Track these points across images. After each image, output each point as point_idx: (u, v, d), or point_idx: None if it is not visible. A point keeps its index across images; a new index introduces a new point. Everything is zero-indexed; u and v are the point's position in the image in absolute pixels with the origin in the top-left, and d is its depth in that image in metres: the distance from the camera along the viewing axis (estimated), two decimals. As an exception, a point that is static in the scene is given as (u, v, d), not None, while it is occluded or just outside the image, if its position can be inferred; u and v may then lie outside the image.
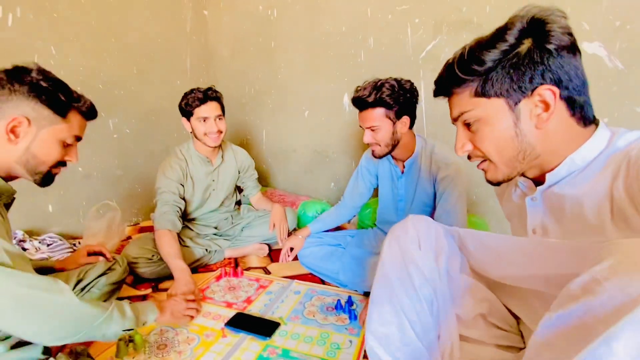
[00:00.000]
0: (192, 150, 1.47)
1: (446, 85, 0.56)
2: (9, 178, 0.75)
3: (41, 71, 0.73)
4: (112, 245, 1.48)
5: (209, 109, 1.35)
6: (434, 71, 1.69)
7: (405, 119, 1.14)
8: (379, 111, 1.11)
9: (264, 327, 0.96)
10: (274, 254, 1.55)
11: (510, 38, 0.47)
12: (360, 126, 1.18)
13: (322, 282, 1.30)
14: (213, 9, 2.35)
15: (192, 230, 1.49)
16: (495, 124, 0.51)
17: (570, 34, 0.48)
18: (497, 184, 0.57)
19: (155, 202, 1.38)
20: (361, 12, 1.83)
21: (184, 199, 1.45)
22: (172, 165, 1.41)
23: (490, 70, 0.49)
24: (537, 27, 0.47)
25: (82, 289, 0.98)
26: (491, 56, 0.48)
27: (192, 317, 1.00)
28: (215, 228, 1.55)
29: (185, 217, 1.53)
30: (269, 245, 1.57)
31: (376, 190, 1.45)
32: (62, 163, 0.80)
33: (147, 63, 2.03)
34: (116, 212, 1.51)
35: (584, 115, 0.50)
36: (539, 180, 0.56)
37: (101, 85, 1.81)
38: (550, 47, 0.46)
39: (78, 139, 0.82)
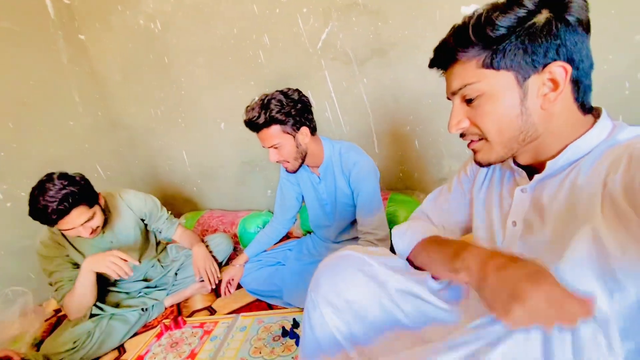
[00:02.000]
0: None
1: (452, 51, 0.49)
2: None
3: None
4: (34, 333, 1.32)
5: (71, 222, 1.06)
6: (335, 60, 1.67)
7: (304, 130, 1.11)
8: (275, 129, 1.07)
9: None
10: (218, 288, 1.49)
11: (529, 4, 0.44)
12: (263, 147, 1.13)
13: (269, 306, 1.28)
14: (88, 31, 2.08)
15: (119, 292, 1.36)
16: (501, 99, 0.47)
17: (587, 10, 0.45)
18: (487, 165, 0.54)
19: (49, 283, 1.21)
20: (248, 10, 1.71)
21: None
22: (47, 245, 1.20)
23: (503, 38, 0.45)
24: None
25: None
26: (506, 22, 0.44)
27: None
28: (145, 280, 1.44)
29: (107, 284, 1.36)
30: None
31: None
32: None
33: (24, 112, 1.76)
34: (26, 295, 1.35)
35: (585, 101, 0.48)
36: (530, 167, 0.54)
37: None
38: (570, 19, 0.44)
39: None
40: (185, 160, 2.18)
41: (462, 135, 0.55)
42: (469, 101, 0.50)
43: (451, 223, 0.74)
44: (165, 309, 1.41)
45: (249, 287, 1.35)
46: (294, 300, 1.22)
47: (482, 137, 0.51)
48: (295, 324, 1.09)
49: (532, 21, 0.44)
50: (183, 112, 2.06)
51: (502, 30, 0.44)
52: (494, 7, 0.45)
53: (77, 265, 1.25)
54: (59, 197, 1.01)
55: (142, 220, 1.41)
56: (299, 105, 1.07)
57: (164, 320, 1.28)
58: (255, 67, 1.80)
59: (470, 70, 0.48)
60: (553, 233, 0.49)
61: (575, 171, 0.47)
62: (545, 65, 0.45)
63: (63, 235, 1.22)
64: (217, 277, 1.41)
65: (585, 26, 0.46)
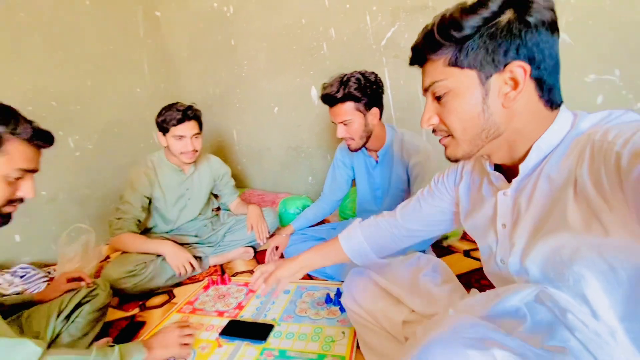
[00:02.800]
0: (163, 160, 1.45)
1: (422, 50, 0.53)
2: None
3: None
4: (90, 269, 1.43)
5: (186, 129, 1.34)
6: (397, 58, 1.74)
7: (375, 110, 1.17)
8: (349, 105, 1.13)
9: (258, 332, 0.98)
10: (259, 256, 1.56)
11: (493, 6, 0.45)
12: (333, 122, 1.20)
13: (310, 277, 1.33)
14: (165, 9, 2.24)
15: (169, 240, 1.47)
16: (465, 97, 0.49)
17: (552, 10, 0.46)
18: (456, 160, 0.56)
19: (115, 208, 1.37)
20: (319, 3, 1.81)
21: (150, 210, 1.45)
22: (139, 174, 1.40)
23: (467, 37, 0.47)
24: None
25: (67, 319, 0.95)
26: (471, 22, 0.46)
27: (187, 344, 0.92)
28: (196, 236, 1.53)
29: (164, 230, 1.51)
30: (253, 247, 1.58)
31: (354, 181, 1.49)
32: (15, 200, 0.73)
33: (101, 74, 1.92)
34: (89, 234, 1.46)
35: (551, 98, 0.49)
36: (508, 169, 0.56)
37: (54, 102, 1.70)
38: (531, 19, 0.45)
39: (32, 172, 0.73)
40: (235, 139, 2.29)
41: (433, 131, 0.57)
42: (438, 98, 0.52)
43: (419, 224, 0.79)
44: (209, 267, 1.49)
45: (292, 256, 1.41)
46: (336, 273, 1.27)
47: (450, 134, 0.54)
48: (339, 294, 1.13)
49: (496, 21, 0.45)
50: (240, 93, 2.18)
51: (467, 31, 0.46)
52: (461, 9, 0.47)
53: (147, 206, 1.42)
54: (186, 106, 1.36)
55: (214, 181, 1.59)
56: (374, 86, 1.14)
57: (212, 276, 1.36)
58: (317, 57, 1.89)
59: (438, 68, 0.50)
60: (534, 229, 0.50)
61: (547, 167, 0.49)
62: (506, 65, 0.46)
63: (155, 172, 1.43)
64: (266, 236, 1.50)
65: (549, 26, 0.46)
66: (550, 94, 0.48)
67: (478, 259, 1.36)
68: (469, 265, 1.33)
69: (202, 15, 2.14)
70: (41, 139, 0.73)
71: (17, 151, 0.69)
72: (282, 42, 1.96)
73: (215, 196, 1.74)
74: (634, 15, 1.29)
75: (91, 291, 1.03)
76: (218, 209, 1.73)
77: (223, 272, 1.44)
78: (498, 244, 0.58)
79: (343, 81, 1.11)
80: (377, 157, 1.29)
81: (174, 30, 2.26)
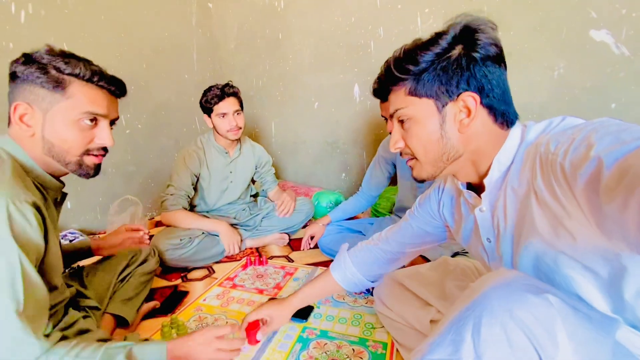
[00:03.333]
0: (211, 141, 1.52)
1: (384, 83, 0.58)
2: (57, 174, 0.72)
3: (47, 50, 0.66)
4: (136, 239, 1.50)
5: (227, 105, 1.40)
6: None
7: None
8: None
9: (299, 311, 1.00)
10: (294, 243, 1.59)
11: (444, 43, 0.50)
12: (383, 116, 1.22)
13: (345, 267, 1.34)
14: (217, 1, 2.34)
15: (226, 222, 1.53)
16: (424, 123, 0.54)
17: (497, 45, 0.51)
18: (422, 181, 0.60)
19: (167, 185, 1.44)
20: (370, 2, 1.84)
21: (195, 188, 1.51)
22: (190, 153, 1.47)
23: (423, 71, 0.51)
24: (468, 35, 0.50)
25: (122, 280, 1.01)
26: (425, 57, 0.51)
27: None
28: (235, 219, 1.58)
29: (204, 210, 1.57)
30: (288, 234, 1.61)
31: (393, 178, 1.49)
32: (98, 149, 0.72)
33: (155, 58, 2.03)
34: (137, 206, 1.53)
35: (505, 120, 0.53)
36: (478, 185, 0.59)
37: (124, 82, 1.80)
38: (477, 55, 0.49)
39: (111, 119, 0.72)
40: (272, 130, 2.34)
41: (401, 154, 0.61)
42: (402, 123, 0.57)
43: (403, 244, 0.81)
44: (246, 248, 1.53)
45: (327, 246, 1.43)
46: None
47: (414, 157, 0.58)
48: (377, 285, 1.14)
49: (447, 55, 0.50)
50: (283, 86, 2.23)
51: (423, 65, 0.51)
52: (415, 45, 0.52)
53: (195, 183, 1.50)
54: (224, 84, 1.43)
55: (256, 168, 1.64)
56: None
57: (250, 257, 1.40)
58: (363, 55, 1.92)
59: (400, 96, 0.55)
60: (514, 240, 0.53)
61: (510, 179, 0.52)
62: (458, 95, 0.51)
63: (203, 151, 1.49)
64: (287, 212, 1.59)
65: (494, 60, 0.50)
66: (502, 118, 0.53)
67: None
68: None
69: (253, 8, 2.21)
70: (106, 80, 0.70)
71: (81, 93, 0.66)
72: (329, 38, 2.00)
73: (253, 182, 1.79)
74: None
75: (145, 257, 1.09)
76: (256, 195, 1.78)
77: (260, 255, 1.47)
78: (489, 257, 0.61)
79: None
80: None
81: (224, 21, 2.35)
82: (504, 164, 0.53)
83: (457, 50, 0.50)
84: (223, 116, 1.40)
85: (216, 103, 1.38)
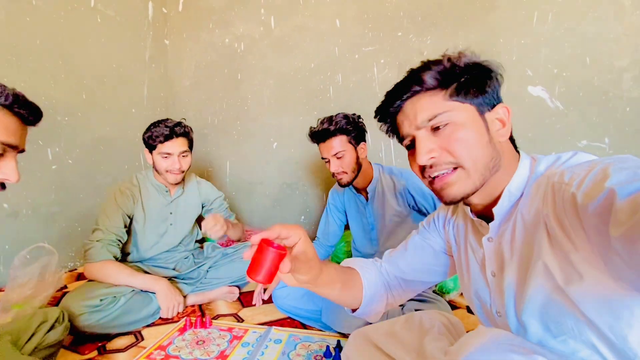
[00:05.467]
0: (149, 178, 1.36)
1: (420, 82, 0.52)
2: None
3: None
4: (45, 298, 1.21)
5: (174, 146, 1.26)
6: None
7: (364, 145, 1.22)
8: (342, 138, 1.17)
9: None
10: (245, 298, 1.40)
11: (482, 59, 0.52)
12: (323, 158, 1.22)
13: (303, 326, 1.19)
14: (175, 38, 2.28)
15: (146, 273, 1.30)
16: (471, 127, 0.51)
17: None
18: (457, 201, 0.53)
19: (93, 230, 1.23)
20: (329, 51, 1.90)
21: (128, 231, 1.30)
22: (122, 190, 1.29)
23: (469, 70, 0.51)
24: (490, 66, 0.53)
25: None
26: (470, 60, 0.52)
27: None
28: (174, 270, 1.37)
29: (137, 259, 1.34)
30: (239, 287, 1.42)
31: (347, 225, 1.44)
32: None
33: (98, 88, 1.86)
34: (52, 256, 1.26)
35: (514, 140, 0.55)
36: (483, 215, 0.56)
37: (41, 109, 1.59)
38: (500, 80, 0.53)
39: (14, 148, 0.61)
40: (227, 170, 2.21)
41: (431, 167, 0.53)
42: (439, 130, 0.51)
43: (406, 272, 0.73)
44: (186, 307, 1.30)
45: (283, 302, 1.26)
46: (333, 323, 1.14)
47: (457, 166, 0.51)
48: (340, 347, 1.00)
49: (485, 65, 0.52)
50: (240, 125, 2.16)
51: (469, 68, 0.51)
52: (459, 53, 0.53)
53: (128, 226, 1.30)
54: (174, 123, 1.27)
55: (202, 207, 1.46)
56: (360, 124, 1.21)
57: (190, 317, 1.18)
58: (322, 99, 1.94)
59: (437, 102, 0.51)
60: (517, 271, 0.51)
61: (520, 210, 0.51)
62: (493, 106, 0.52)
63: (139, 190, 1.31)
64: (218, 228, 1.17)
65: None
66: (512, 137, 0.55)
67: (483, 317, 1.28)
68: (474, 323, 1.24)
69: (212, 48, 2.19)
70: (25, 108, 0.61)
71: None
72: (289, 82, 2.01)
73: (200, 226, 1.60)
74: (618, 91, 1.42)
75: (43, 321, 0.85)
76: (202, 241, 1.59)
77: (203, 314, 1.26)
78: (491, 295, 0.57)
79: (332, 118, 1.18)
80: (367, 194, 1.28)
81: (181, 58, 2.28)
82: (514, 195, 0.52)
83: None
84: (166, 156, 1.25)
85: (161, 142, 1.24)
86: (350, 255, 1.65)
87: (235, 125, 2.17)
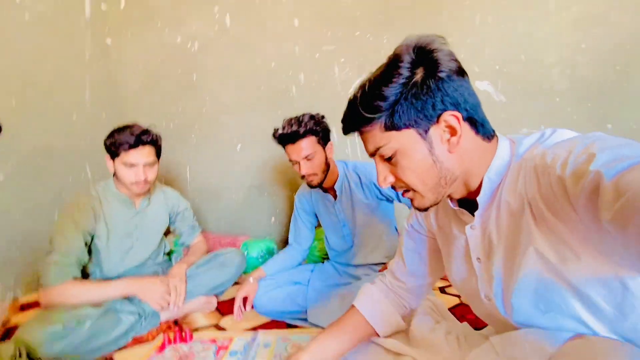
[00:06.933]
0: (110, 189, 1.23)
1: (354, 124, 0.55)
2: None
3: None
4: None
5: (140, 155, 1.15)
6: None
7: (330, 144, 1.24)
8: (311, 139, 1.17)
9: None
10: (223, 307, 1.34)
11: (404, 71, 0.48)
12: (291, 160, 1.20)
13: (288, 325, 1.18)
14: (118, 38, 2.10)
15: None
16: (413, 154, 0.51)
17: (455, 59, 0.50)
18: (425, 210, 0.57)
19: (48, 252, 1.09)
20: (289, 50, 1.90)
21: (90, 251, 1.19)
22: (80, 205, 1.16)
23: (394, 103, 0.49)
24: (424, 56, 0.48)
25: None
26: (392, 90, 0.48)
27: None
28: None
29: (102, 278, 1.22)
30: (216, 295, 1.36)
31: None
32: None
33: (30, 94, 1.64)
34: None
35: (485, 131, 0.53)
36: (468, 201, 0.58)
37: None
38: (442, 74, 0.48)
39: None
40: (188, 177, 2.09)
41: (394, 188, 0.58)
42: (388, 159, 0.54)
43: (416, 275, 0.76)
44: (160, 323, 1.21)
45: (266, 308, 1.23)
46: (320, 320, 1.15)
47: (410, 189, 0.55)
48: (330, 341, 1.01)
49: (413, 81, 0.48)
50: (199, 129, 2.06)
51: (392, 98, 0.49)
52: (376, 80, 0.50)
53: (89, 244, 1.17)
54: (141, 130, 1.17)
55: (170, 218, 1.38)
56: (324, 123, 1.22)
57: (167, 333, 1.10)
58: (285, 99, 1.92)
59: (377, 135, 0.52)
60: (505, 256, 0.53)
61: (502, 194, 0.52)
62: (438, 117, 0.49)
63: (100, 203, 1.19)
64: (177, 304, 1.19)
65: (458, 72, 0.50)
66: (483, 128, 0.52)
67: (455, 295, 1.38)
68: (447, 302, 1.33)
69: (162, 48, 2.05)
70: None
71: None
72: (249, 81, 1.96)
73: (166, 236, 1.50)
74: (548, 84, 1.62)
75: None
76: (170, 253, 1.49)
77: (180, 329, 1.18)
78: (479, 280, 0.59)
79: (299, 120, 1.17)
80: (335, 192, 1.30)
81: (127, 59, 2.11)
82: (494, 181, 0.52)
83: (420, 74, 0.48)
84: (130, 166, 1.15)
85: (125, 150, 1.13)
86: (324, 253, 1.66)
87: (193, 128, 2.06)
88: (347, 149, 1.87)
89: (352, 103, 0.53)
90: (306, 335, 1.09)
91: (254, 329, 1.16)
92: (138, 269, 1.30)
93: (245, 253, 1.71)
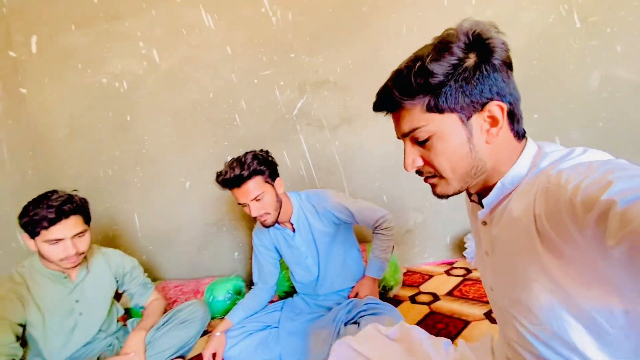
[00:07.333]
0: (37, 267, 1.10)
1: (393, 99, 0.52)
2: None
3: None
4: None
5: (64, 229, 1.03)
6: (309, 125, 1.85)
7: (279, 180, 1.20)
8: (257, 179, 1.12)
9: None
10: (192, 366, 1.25)
11: (458, 51, 0.47)
12: (240, 203, 1.15)
13: (264, 375, 1.12)
14: (34, 86, 1.91)
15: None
16: (450, 139, 0.50)
17: (508, 50, 0.50)
18: (446, 197, 0.56)
19: None
20: (226, 79, 1.84)
21: (24, 342, 1.05)
22: (3, 296, 1.02)
23: (442, 84, 0.47)
24: (479, 41, 0.48)
25: None
26: (442, 69, 0.47)
27: None
28: (99, 362, 1.15)
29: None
30: (182, 357, 1.26)
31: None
32: None
33: None
34: None
35: (519, 129, 0.53)
36: (479, 195, 0.59)
37: None
38: (496, 62, 0.48)
39: None
40: (137, 224, 1.94)
41: (418, 173, 0.57)
42: (419, 143, 0.53)
43: None
44: (123, 403, 1.10)
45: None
46: (296, 363, 1.11)
47: (437, 174, 0.54)
48: (307, 387, 0.97)
49: (464, 66, 0.47)
50: (141, 171, 1.92)
51: (440, 77, 0.47)
52: (428, 56, 0.48)
53: (21, 336, 1.03)
54: (61, 200, 1.04)
55: (117, 281, 1.24)
56: (270, 159, 1.18)
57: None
58: (230, 128, 1.86)
59: (416, 115, 0.51)
60: (506, 260, 0.54)
61: (511, 204, 0.51)
62: (483, 105, 0.49)
63: (27, 287, 1.06)
64: None
65: (508, 65, 0.51)
66: (518, 125, 0.53)
67: (425, 303, 1.40)
68: (420, 311, 1.35)
69: (87, 91, 1.89)
70: None
71: None
72: (189, 115, 1.87)
73: (118, 299, 1.38)
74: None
75: None
76: (127, 314, 1.36)
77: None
78: (486, 271, 0.61)
79: (242, 161, 1.12)
80: (292, 225, 1.27)
81: (47, 108, 1.92)
82: (507, 188, 0.52)
83: (473, 58, 0.48)
84: (55, 242, 1.03)
85: (45, 228, 1.00)
86: (290, 284, 1.61)
87: (135, 171, 1.92)
88: (301, 170, 1.84)
89: (398, 76, 0.51)
90: (282, 383, 1.04)
91: (227, 387, 1.09)
92: (88, 346, 1.17)
93: (211, 298, 1.63)
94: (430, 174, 0.55)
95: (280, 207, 1.19)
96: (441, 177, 0.54)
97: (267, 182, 1.14)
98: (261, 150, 1.19)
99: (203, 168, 1.88)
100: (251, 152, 1.16)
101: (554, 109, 1.67)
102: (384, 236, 1.27)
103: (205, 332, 1.37)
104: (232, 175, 1.09)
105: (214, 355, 1.16)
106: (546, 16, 1.64)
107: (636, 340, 0.42)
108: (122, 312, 1.35)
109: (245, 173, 1.09)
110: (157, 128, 1.90)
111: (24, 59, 1.91)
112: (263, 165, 1.13)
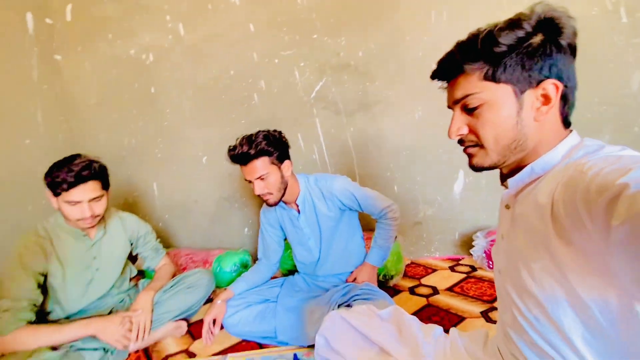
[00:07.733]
0: (60, 224, 1.19)
1: (458, 63, 0.53)
2: None
3: None
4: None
5: (82, 193, 1.09)
6: (326, 109, 1.84)
7: (288, 163, 1.20)
8: (264, 159, 1.13)
9: None
10: (195, 330, 1.33)
11: (527, 26, 0.49)
12: (247, 179, 1.17)
13: (260, 346, 1.18)
14: (68, 54, 2.00)
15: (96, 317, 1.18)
16: (500, 110, 0.51)
17: (576, 34, 0.51)
18: (480, 169, 0.58)
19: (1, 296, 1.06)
20: (247, 57, 1.85)
21: (46, 291, 1.15)
22: (28, 246, 1.11)
23: (504, 54, 0.49)
24: (550, 22, 0.49)
25: None
26: (508, 40, 0.49)
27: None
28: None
29: (63, 316, 1.19)
30: (186, 319, 1.35)
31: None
32: None
33: (-26, 122, 1.56)
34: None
35: (568, 116, 0.53)
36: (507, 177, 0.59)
37: None
38: (563, 42, 0.49)
39: None
40: (155, 193, 2.04)
41: (460, 142, 0.60)
42: (469, 110, 0.54)
43: None
44: (129, 354, 1.20)
45: (236, 329, 1.24)
46: (289, 338, 1.16)
47: (479, 144, 0.55)
48: (297, 359, 1.02)
49: (530, 42, 0.49)
50: (162, 143, 2.00)
51: (504, 47, 0.49)
52: (497, 27, 0.50)
53: (43, 284, 1.13)
54: (82, 165, 1.09)
55: (131, 244, 1.33)
56: (282, 141, 1.19)
57: (134, 366, 1.09)
58: (248, 107, 1.89)
59: (473, 81, 0.53)
60: (519, 240, 0.55)
61: (537, 189, 0.52)
62: (539, 82, 0.50)
63: (50, 241, 1.15)
64: (140, 337, 1.16)
65: (572, 50, 0.52)
66: (568, 112, 0.54)
67: (424, 295, 1.41)
68: (417, 302, 1.36)
69: (115, 62, 1.97)
70: None
71: None
72: (209, 91, 1.91)
73: (133, 260, 1.47)
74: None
75: None
76: (141, 275, 1.46)
77: (149, 358, 1.17)
78: (498, 254, 0.62)
79: (251, 139, 1.13)
80: (298, 206, 1.29)
81: (79, 76, 2.01)
82: (536, 173, 0.53)
83: (539, 37, 0.49)
84: (74, 204, 1.09)
85: (65, 190, 1.06)
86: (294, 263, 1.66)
87: (156, 143, 2.01)
88: (314, 154, 1.85)
89: (465, 41, 0.53)
90: (274, 354, 1.10)
91: (224, 351, 1.16)
92: (103, 299, 1.28)
93: (218, 268, 1.71)
94: (472, 143, 0.57)
95: (286, 189, 1.21)
96: (482, 147, 0.55)
97: (273, 163, 1.15)
98: (274, 131, 1.20)
99: (220, 144, 1.91)
100: (264, 131, 1.17)
101: (586, 109, 1.57)
102: (388, 226, 1.28)
103: (209, 300, 1.45)
104: (240, 152, 1.12)
105: (214, 321, 1.23)
106: (589, 8, 1.52)
107: (627, 341, 0.43)
108: (135, 272, 1.45)
109: (252, 152, 1.11)
110: (179, 102, 1.95)
111: (60, 26, 1.99)
112: (272, 146, 1.14)
